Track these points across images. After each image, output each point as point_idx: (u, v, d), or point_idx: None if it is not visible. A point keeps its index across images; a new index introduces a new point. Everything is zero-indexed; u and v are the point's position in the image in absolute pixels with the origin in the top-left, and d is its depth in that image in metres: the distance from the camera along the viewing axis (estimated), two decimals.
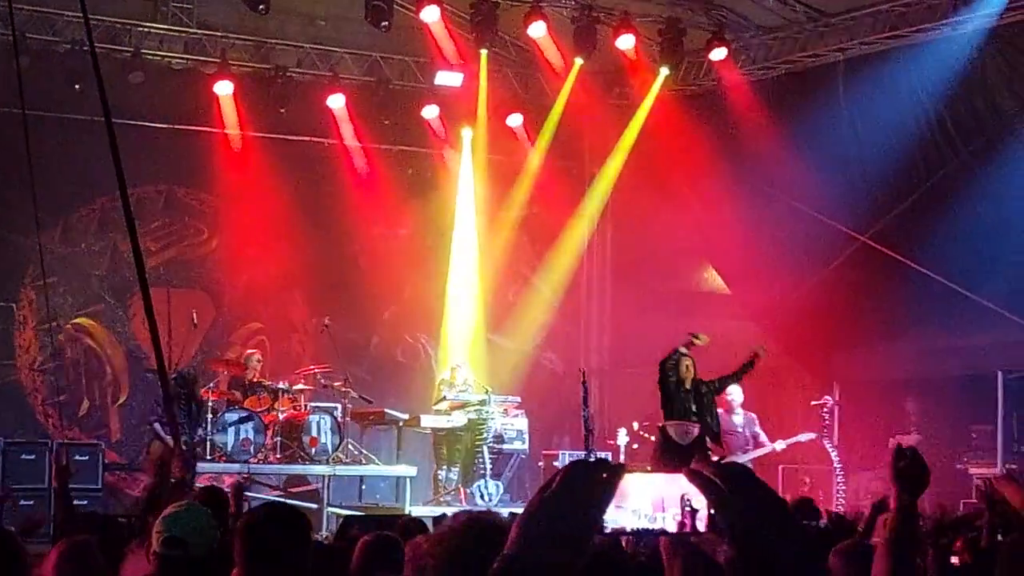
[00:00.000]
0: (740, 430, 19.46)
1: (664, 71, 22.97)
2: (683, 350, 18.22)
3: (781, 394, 23.58)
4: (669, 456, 16.96)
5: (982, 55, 20.08)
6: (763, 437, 19.70)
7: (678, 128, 23.18)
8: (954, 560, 9.33)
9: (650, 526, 3.13)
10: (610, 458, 19.80)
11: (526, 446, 21.51)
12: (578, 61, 22.80)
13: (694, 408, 18.26)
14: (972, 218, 20.16)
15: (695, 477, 2.76)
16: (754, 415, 19.80)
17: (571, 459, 19.58)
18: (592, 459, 2.76)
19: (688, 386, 18.21)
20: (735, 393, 19.25)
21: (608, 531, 2.91)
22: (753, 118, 22.42)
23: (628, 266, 25.28)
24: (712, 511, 2.81)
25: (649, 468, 16.92)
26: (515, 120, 24.31)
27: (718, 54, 22.33)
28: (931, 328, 20.99)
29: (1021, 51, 20.03)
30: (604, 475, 2.69)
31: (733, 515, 2.70)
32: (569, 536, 2.63)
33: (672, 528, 3.07)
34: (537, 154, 24.28)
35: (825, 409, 20.86)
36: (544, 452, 21.92)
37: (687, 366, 18.28)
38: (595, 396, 23.50)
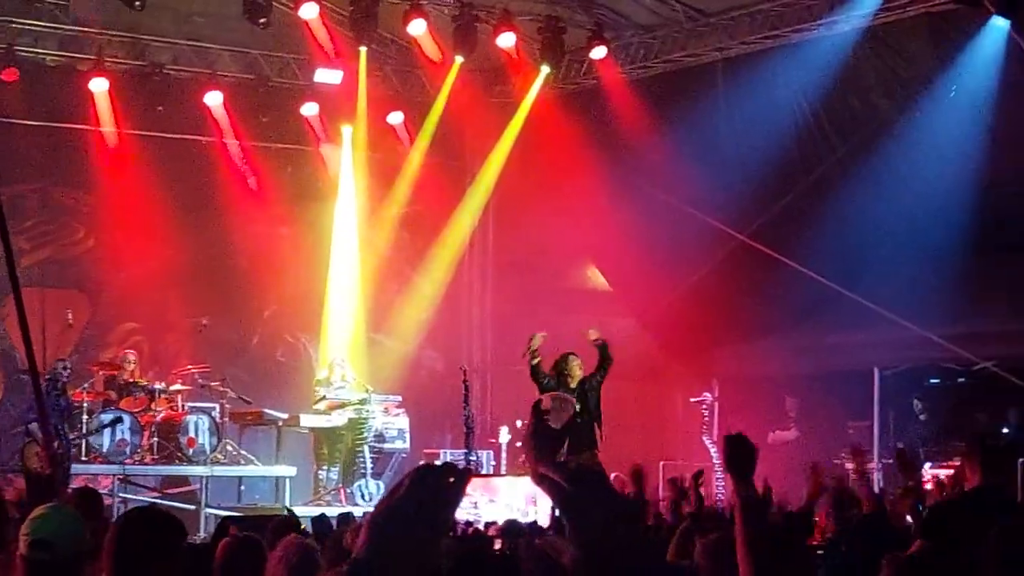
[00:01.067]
0: None
1: (545, 69, 23.00)
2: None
3: (661, 391, 23.75)
4: (541, 440, 16.88)
5: (858, 55, 20.31)
6: None
7: (559, 126, 23.21)
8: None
9: (522, 520, 3.13)
10: (486, 457, 19.89)
11: (407, 445, 21.50)
12: (458, 59, 22.75)
13: (578, 407, 18.31)
14: (849, 216, 20.39)
15: (542, 481, 2.76)
16: None
17: (451, 458, 19.57)
18: (438, 464, 2.77)
19: (574, 385, 18.26)
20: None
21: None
22: (633, 117, 22.51)
23: (510, 264, 25.28)
24: (558, 514, 2.83)
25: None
26: (396, 118, 24.24)
27: (598, 53, 22.40)
28: (809, 325, 21.22)
29: (895, 51, 20.29)
30: (451, 479, 2.69)
31: (579, 518, 2.71)
32: (417, 539, 2.63)
33: (545, 523, 3.08)
34: (418, 152, 24.21)
35: (704, 406, 20.98)
36: (426, 451, 21.85)
37: (577, 364, 18.34)
38: (477, 394, 23.49)
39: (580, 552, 2.72)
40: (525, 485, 16.33)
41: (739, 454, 4.79)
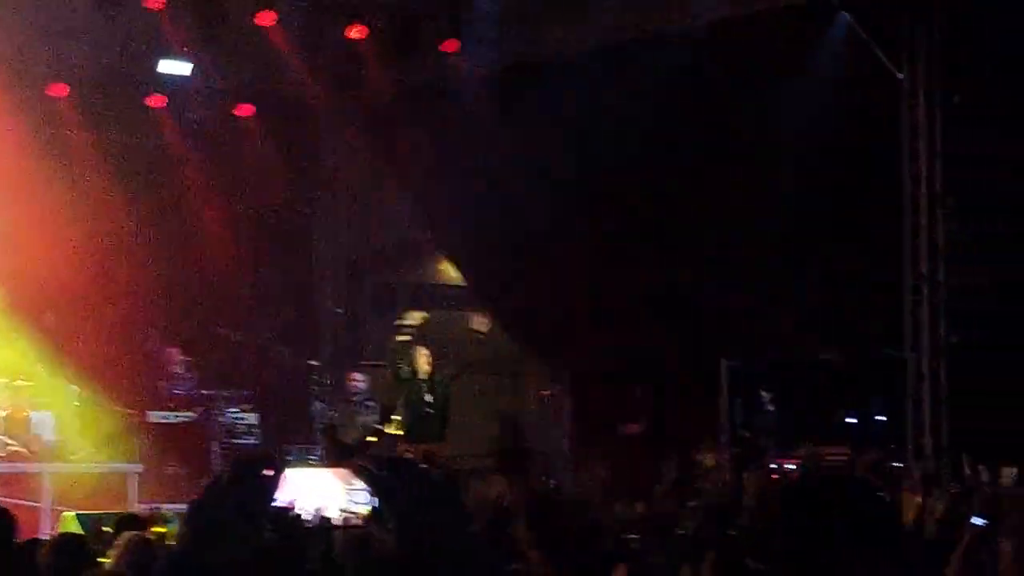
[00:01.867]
0: None
1: (397, 63, 22.91)
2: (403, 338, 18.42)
3: (515, 384, 23.81)
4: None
5: (708, 49, 20.46)
6: None
7: (412, 120, 23.16)
8: None
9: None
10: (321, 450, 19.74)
11: (257, 441, 21.31)
12: (309, 52, 22.59)
13: (429, 398, 18.37)
14: (701, 210, 20.59)
15: (361, 472, 2.76)
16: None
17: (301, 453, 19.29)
18: (256, 456, 2.77)
19: (422, 376, 18.30)
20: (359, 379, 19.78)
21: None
22: (486, 110, 22.49)
23: (363, 258, 25.21)
24: (378, 503, 2.87)
25: None
26: (245, 111, 23.98)
27: (450, 46, 22.36)
28: (659, 318, 21.37)
29: (745, 45, 20.45)
30: (267, 472, 2.69)
31: (393, 503, 2.71)
32: (235, 529, 2.63)
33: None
34: (268, 146, 23.98)
35: (555, 399, 21.09)
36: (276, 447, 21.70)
37: (424, 357, 18.35)
38: (328, 389, 23.36)
39: (397, 535, 2.72)
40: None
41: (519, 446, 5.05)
